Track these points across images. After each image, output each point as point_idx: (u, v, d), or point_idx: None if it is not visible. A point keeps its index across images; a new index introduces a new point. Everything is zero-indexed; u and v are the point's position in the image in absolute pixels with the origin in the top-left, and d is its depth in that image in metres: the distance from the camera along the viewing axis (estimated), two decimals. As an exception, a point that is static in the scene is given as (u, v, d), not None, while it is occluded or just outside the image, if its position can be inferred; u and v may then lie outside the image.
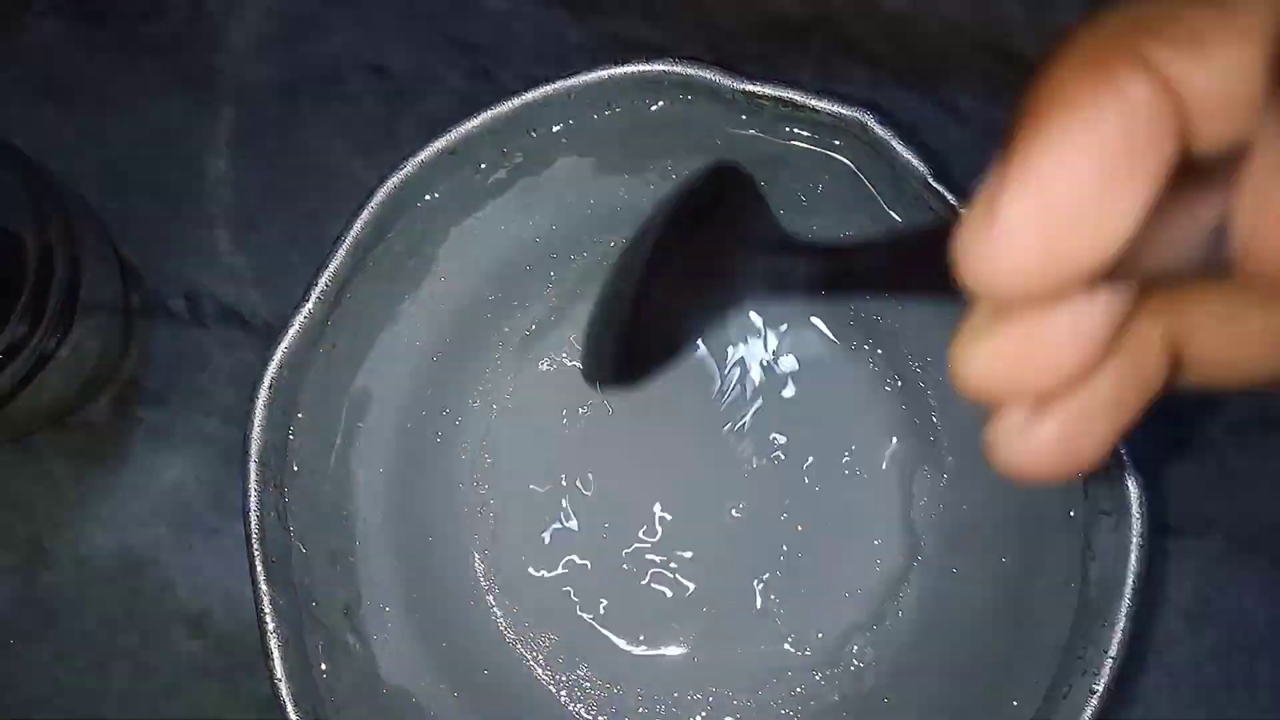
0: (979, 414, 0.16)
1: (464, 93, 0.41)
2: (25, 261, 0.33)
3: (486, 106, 0.33)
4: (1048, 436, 0.16)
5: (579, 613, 0.37)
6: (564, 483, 0.38)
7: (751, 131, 0.34)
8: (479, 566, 0.37)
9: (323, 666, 0.32)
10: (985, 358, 0.15)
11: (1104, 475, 0.31)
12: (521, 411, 0.38)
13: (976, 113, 0.41)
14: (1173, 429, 0.39)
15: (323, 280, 0.33)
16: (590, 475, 0.38)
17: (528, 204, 0.36)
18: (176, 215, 0.40)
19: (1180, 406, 0.39)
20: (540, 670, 0.37)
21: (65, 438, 0.39)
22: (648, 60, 0.33)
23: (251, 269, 0.40)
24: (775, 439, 0.38)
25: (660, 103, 0.34)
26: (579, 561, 0.37)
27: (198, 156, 0.41)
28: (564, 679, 0.37)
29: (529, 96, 0.33)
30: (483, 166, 0.35)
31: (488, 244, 0.36)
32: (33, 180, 0.34)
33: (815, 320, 0.38)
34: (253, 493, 0.32)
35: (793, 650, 0.37)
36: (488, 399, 0.38)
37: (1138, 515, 0.30)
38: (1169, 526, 0.38)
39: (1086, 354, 0.15)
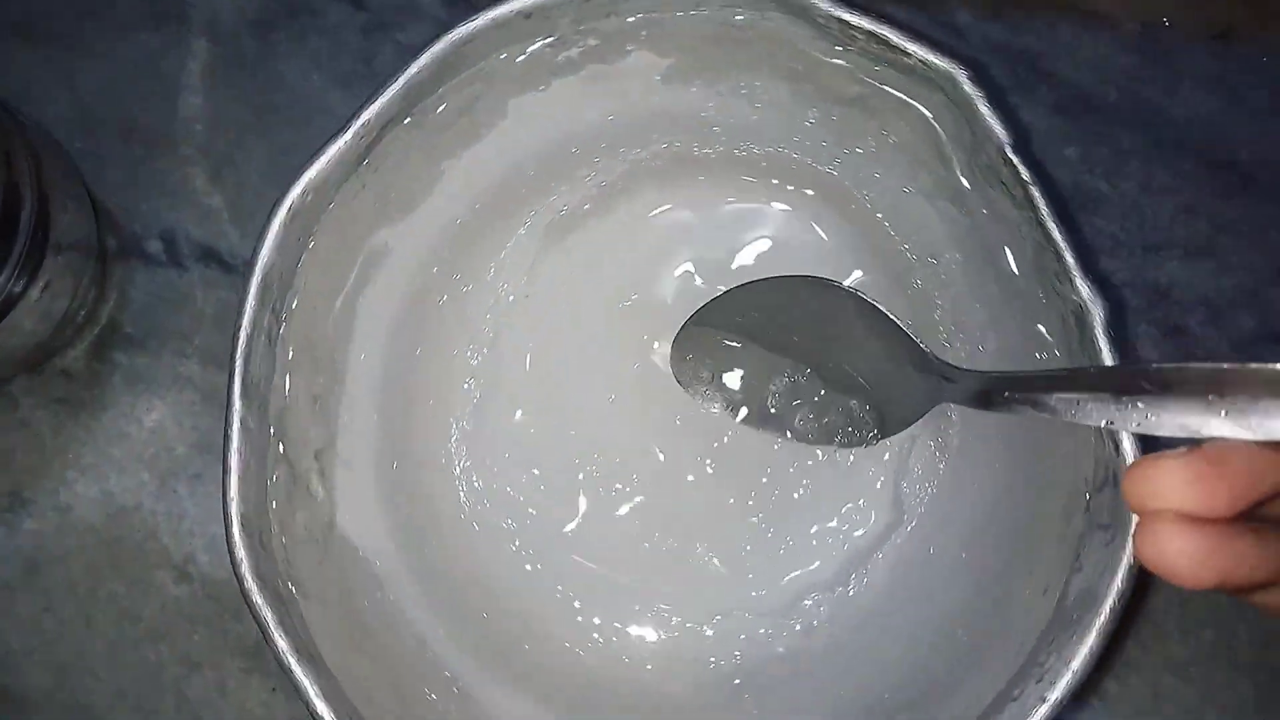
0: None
1: (444, 22, 0.39)
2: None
3: None
4: (1185, 548, 0.21)
5: (543, 510, 0.36)
6: (559, 379, 0.37)
7: (839, 63, 0.33)
8: (453, 439, 0.36)
9: (273, 502, 0.31)
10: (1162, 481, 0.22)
11: (1114, 487, 0.29)
12: (533, 295, 0.37)
13: (974, 29, 0.40)
14: (1179, 346, 0.38)
15: (366, 114, 0.31)
16: (588, 381, 0.37)
17: (591, 91, 0.35)
18: (151, 155, 0.39)
19: (1185, 324, 0.38)
20: (491, 553, 0.36)
21: (43, 384, 0.38)
22: None
23: (229, 208, 0.39)
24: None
25: (748, 13, 0.33)
26: (555, 462, 0.36)
27: (171, 94, 0.39)
28: (515, 564, 0.36)
29: None
30: (553, 40, 0.33)
31: (541, 122, 0.35)
32: (-3, 117, 0.33)
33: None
34: (249, 308, 0.30)
35: (751, 593, 0.35)
36: (501, 274, 0.37)
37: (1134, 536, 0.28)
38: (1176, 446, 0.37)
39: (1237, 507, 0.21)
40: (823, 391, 0.35)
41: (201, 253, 0.39)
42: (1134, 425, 0.24)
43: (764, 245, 0.37)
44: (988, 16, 0.40)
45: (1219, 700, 0.36)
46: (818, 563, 0.36)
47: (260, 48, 0.40)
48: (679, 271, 0.37)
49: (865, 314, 0.32)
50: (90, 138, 0.39)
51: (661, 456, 0.36)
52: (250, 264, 0.30)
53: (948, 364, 0.31)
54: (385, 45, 0.40)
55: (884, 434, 0.34)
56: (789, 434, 0.35)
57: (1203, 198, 0.39)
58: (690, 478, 0.36)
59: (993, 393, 0.28)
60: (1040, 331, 0.32)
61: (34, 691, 0.36)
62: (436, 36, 0.31)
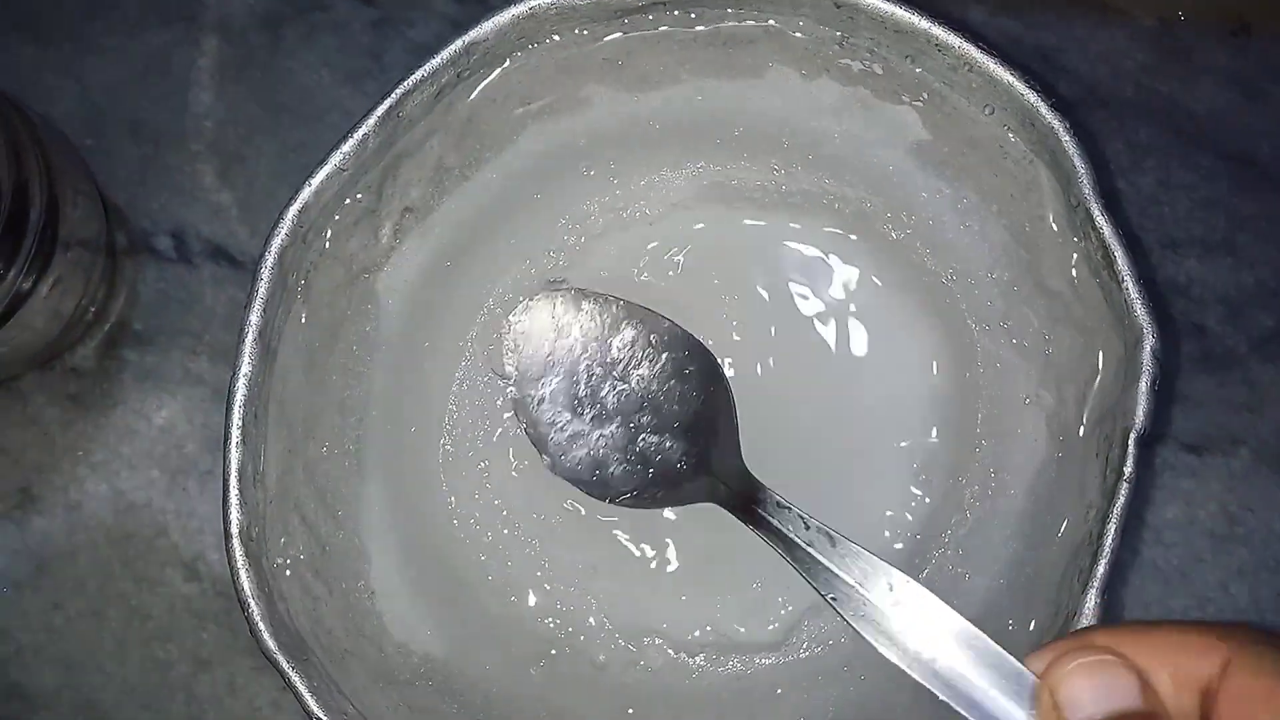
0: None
1: (453, 18, 0.39)
2: (0, 198, 0.32)
3: None
4: None
5: (529, 517, 0.36)
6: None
7: (1063, 249, 0.31)
8: (490, 301, 0.36)
9: (337, 215, 0.32)
10: None
11: None
12: (655, 223, 0.36)
13: (987, 25, 0.39)
14: (1197, 344, 0.37)
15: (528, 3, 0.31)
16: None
17: (842, 106, 0.33)
18: (160, 152, 0.39)
19: (1204, 321, 0.37)
20: (459, 415, 0.36)
21: (53, 382, 0.38)
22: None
23: (238, 204, 0.39)
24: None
25: (1022, 147, 0.31)
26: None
27: (181, 91, 0.39)
28: (460, 458, 0.36)
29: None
30: (844, 40, 0.32)
31: (782, 101, 0.34)
32: (6, 115, 0.32)
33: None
34: (436, 61, 0.30)
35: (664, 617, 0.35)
36: (651, 187, 0.36)
37: None
38: (1194, 445, 0.36)
39: None
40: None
41: (211, 250, 0.38)
42: (841, 606, 0.27)
43: (862, 336, 0.36)
44: (1000, 12, 0.39)
45: None
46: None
47: (270, 45, 0.39)
48: (786, 293, 0.36)
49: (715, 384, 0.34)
50: (100, 135, 0.39)
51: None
52: (463, 33, 0.31)
53: (749, 474, 0.32)
54: (395, 41, 0.39)
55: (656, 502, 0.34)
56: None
57: (1221, 193, 0.38)
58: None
59: (759, 508, 0.30)
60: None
61: (43, 688, 0.36)
62: None
